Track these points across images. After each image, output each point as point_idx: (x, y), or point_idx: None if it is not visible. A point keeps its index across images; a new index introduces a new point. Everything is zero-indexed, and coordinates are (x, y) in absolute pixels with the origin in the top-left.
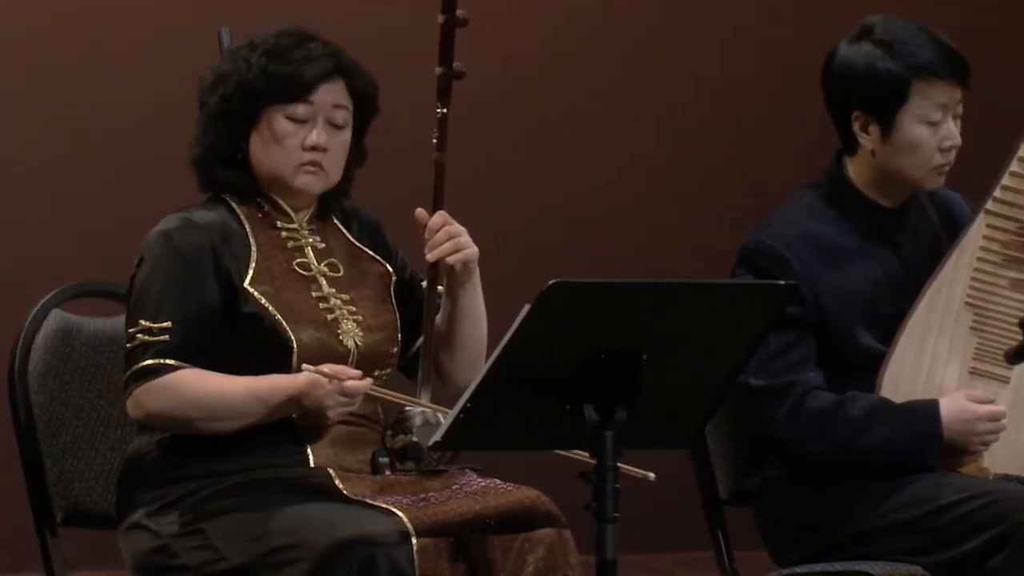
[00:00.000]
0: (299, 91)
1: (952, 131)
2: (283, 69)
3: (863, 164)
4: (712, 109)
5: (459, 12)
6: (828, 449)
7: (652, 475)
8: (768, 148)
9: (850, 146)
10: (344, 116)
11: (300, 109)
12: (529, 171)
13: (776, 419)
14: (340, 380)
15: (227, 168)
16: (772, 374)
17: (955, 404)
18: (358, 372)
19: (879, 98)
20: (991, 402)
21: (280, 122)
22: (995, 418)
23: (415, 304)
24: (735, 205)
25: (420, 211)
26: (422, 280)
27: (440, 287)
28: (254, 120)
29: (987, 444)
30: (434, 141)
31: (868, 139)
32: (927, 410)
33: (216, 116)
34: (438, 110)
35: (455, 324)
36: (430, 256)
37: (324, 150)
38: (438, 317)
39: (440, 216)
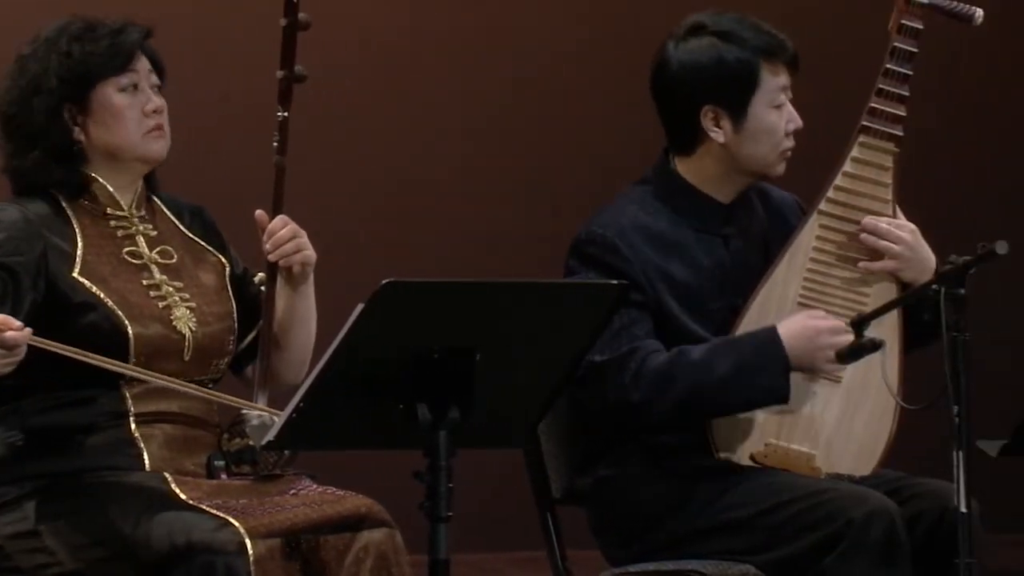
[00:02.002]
0: (125, 61)
1: (794, 113)
2: (99, 46)
3: (707, 159)
4: (541, 109)
5: (301, 15)
6: (678, 398)
7: None
8: (596, 148)
9: (688, 144)
10: (156, 79)
11: (127, 79)
12: (364, 172)
13: (624, 384)
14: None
15: (63, 165)
16: (615, 348)
17: (794, 323)
18: (19, 323)
19: (731, 88)
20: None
21: (115, 96)
22: (836, 332)
23: (248, 299)
24: (567, 204)
25: (260, 213)
26: (255, 276)
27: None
28: (85, 105)
29: (831, 360)
30: (275, 144)
31: (720, 132)
32: (766, 334)
33: (44, 114)
34: (279, 113)
35: (287, 326)
36: (272, 256)
37: (161, 112)
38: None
39: (281, 219)
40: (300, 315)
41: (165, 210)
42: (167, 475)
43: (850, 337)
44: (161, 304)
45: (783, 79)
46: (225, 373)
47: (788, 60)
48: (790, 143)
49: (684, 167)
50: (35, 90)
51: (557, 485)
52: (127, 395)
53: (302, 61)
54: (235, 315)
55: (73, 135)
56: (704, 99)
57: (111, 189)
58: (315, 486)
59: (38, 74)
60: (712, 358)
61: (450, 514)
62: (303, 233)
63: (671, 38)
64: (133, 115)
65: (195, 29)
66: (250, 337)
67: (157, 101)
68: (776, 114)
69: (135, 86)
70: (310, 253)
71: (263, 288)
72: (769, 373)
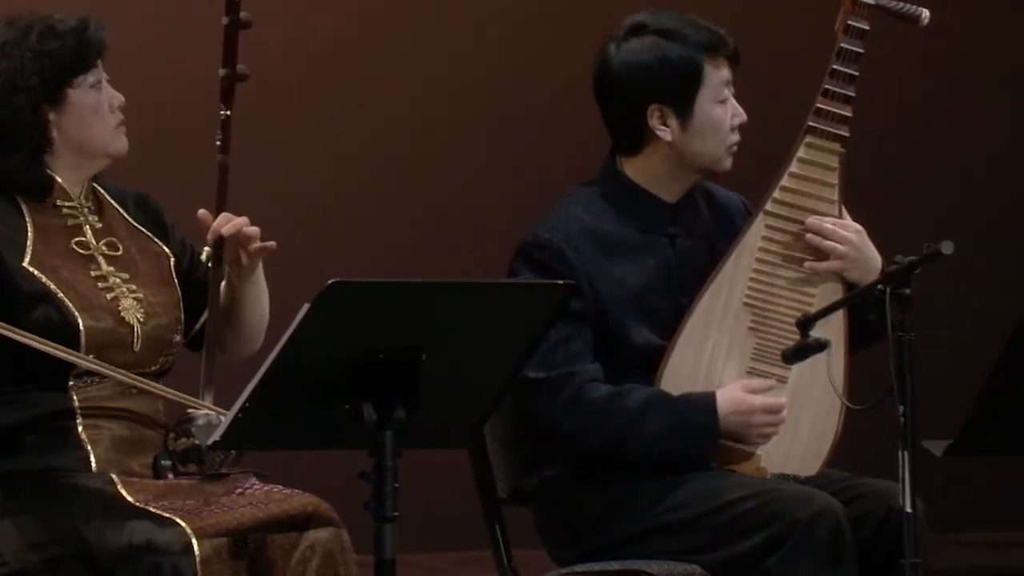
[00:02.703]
0: (94, 57)
1: (738, 107)
2: (69, 43)
3: (654, 158)
4: (485, 109)
5: (242, 14)
6: (606, 440)
7: None
8: (540, 148)
9: (634, 145)
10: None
11: (94, 76)
12: (309, 171)
13: (555, 410)
14: None
15: (40, 165)
16: (551, 366)
17: (731, 396)
18: None
19: (678, 86)
20: (768, 392)
21: (88, 93)
22: (772, 410)
23: (198, 282)
24: (512, 204)
25: (203, 212)
26: (201, 254)
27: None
28: (61, 103)
29: (765, 436)
30: (217, 143)
31: (667, 131)
32: (703, 402)
33: (28, 113)
34: (222, 112)
35: (239, 307)
36: (225, 230)
37: (122, 106)
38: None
39: (224, 218)
40: (252, 297)
41: (111, 200)
42: (113, 476)
43: (783, 416)
44: (109, 296)
45: (725, 73)
46: (172, 367)
47: (729, 54)
48: (736, 137)
49: (631, 167)
50: (13, 89)
51: (503, 485)
52: (74, 395)
53: (244, 60)
54: (181, 305)
55: (50, 133)
56: (650, 98)
57: (60, 180)
58: (262, 485)
59: (14, 72)
60: (647, 411)
61: (396, 514)
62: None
63: (611, 40)
64: (104, 110)
65: (136, 28)
66: (203, 319)
67: (120, 96)
68: (721, 109)
69: (99, 82)
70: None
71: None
72: (697, 444)
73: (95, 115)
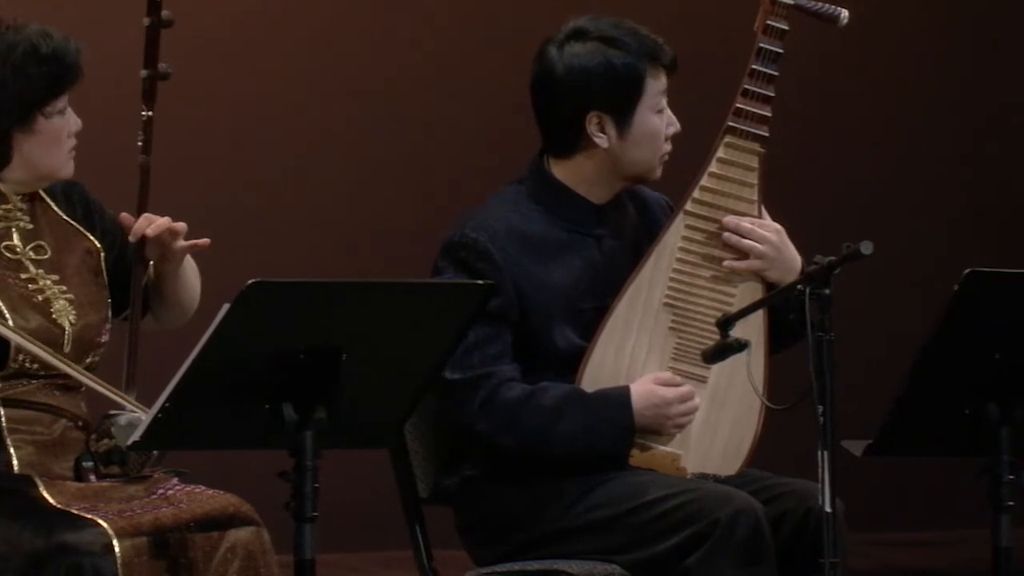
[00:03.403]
0: (72, 82)
1: (673, 117)
2: (52, 69)
3: (586, 163)
4: (413, 108)
5: (164, 14)
6: (522, 439)
7: None
8: (466, 146)
9: (568, 148)
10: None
11: (62, 102)
12: (229, 172)
13: (471, 411)
14: None
15: None
16: (468, 367)
17: (644, 389)
18: None
19: (619, 94)
20: (679, 384)
21: (55, 120)
22: (684, 399)
23: (127, 271)
24: (437, 203)
25: (125, 215)
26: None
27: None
28: (31, 125)
29: (680, 427)
30: (139, 144)
31: (604, 138)
32: (618, 398)
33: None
34: (143, 113)
35: (172, 288)
36: (150, 231)
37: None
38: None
39: (145, 219)
40: (183, 279)
41: (42, 194)
42: (36, 479)
43: (696, 404)
44: (40, 297)
45: (663, 83)
46: (98, 368)
47: (668, 64)
48: (668, 147)
49: (560, 169)
50: None
51: (423, 485)
52: None
53: (167, 59)
54: (109, 302)
55: (11, 152)
56: (590, 105)
57: (2, 189)
58: (183, 486)
59: None
60: (563, 409)
61: (316, 514)
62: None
63: (551, 42)
64: (64, 137)
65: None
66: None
67: (79, 122)
68: (658, 119)
69: (65, 108)
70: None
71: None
72: (612, 441)
73: (57, 143)
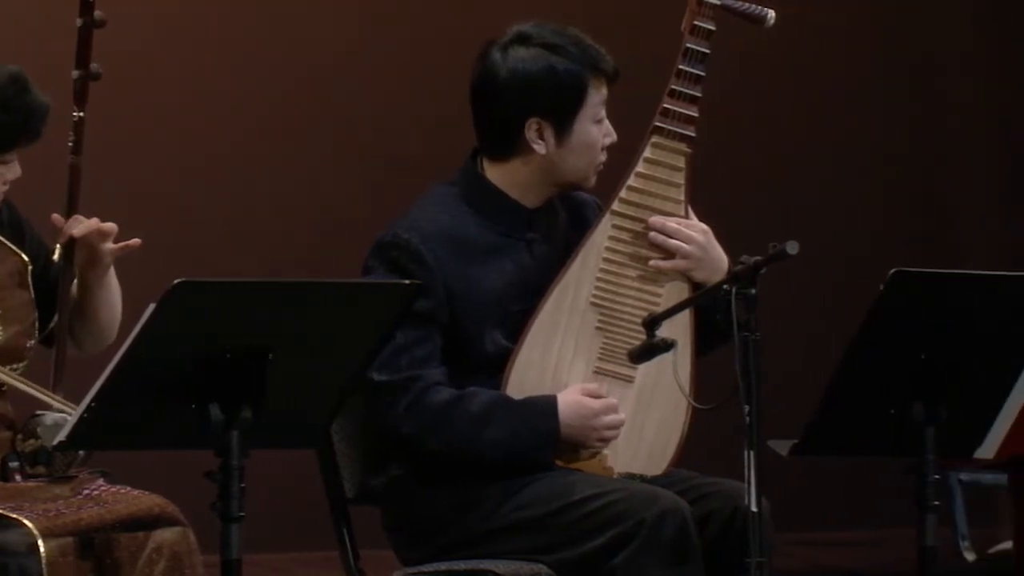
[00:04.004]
0: (27, 143)
1: (611, 128)
2: (17, 119)
3: (522, 168)
4: (337, 109)
5: (96, 14)
6: (448, 444)
7: None
8: (394, 147)
9: (504, 151)
10: None
11: (12, 155)
12: (158, 172)
13: (397, 414)
14: None
15: None
16: (396, 369)
17: (571, 399)
18: None
19: (561, 102)
20: (605, 397)
21: (5, 168)
22: (609, 411)
23: (52, 286)
24: (370, 203)
25: (56, 216)
26: (54, 253)
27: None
28: None
29: (605, 440)
30: (70, 144)
31: (542, 144)
32: (545, 407)
33: None
34: (74, 113)
35: (93, 306)
36: (77, 231)
37: None
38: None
39: (75, 220)
40: (104, 296)
41: None
42: None
43: (622, 418)
44: None
45: (604, 93)
46: (25, 371)
47: (610, 74)
48: (604, 157)
49: (494, 172)
50: None
51: (350, 485)
52: None
53: (98, 59)
54: (36, 315)
55: None
56: (531, 111)
57: None
58: (109, 486)
59: None
60: (489, 416)
61: (242, 514)
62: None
63: (494, 46)
64: (1, 188)
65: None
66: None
67: (18, 171)
68: (597, 129)
69: (14, 160)
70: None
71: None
72: (538, 448)
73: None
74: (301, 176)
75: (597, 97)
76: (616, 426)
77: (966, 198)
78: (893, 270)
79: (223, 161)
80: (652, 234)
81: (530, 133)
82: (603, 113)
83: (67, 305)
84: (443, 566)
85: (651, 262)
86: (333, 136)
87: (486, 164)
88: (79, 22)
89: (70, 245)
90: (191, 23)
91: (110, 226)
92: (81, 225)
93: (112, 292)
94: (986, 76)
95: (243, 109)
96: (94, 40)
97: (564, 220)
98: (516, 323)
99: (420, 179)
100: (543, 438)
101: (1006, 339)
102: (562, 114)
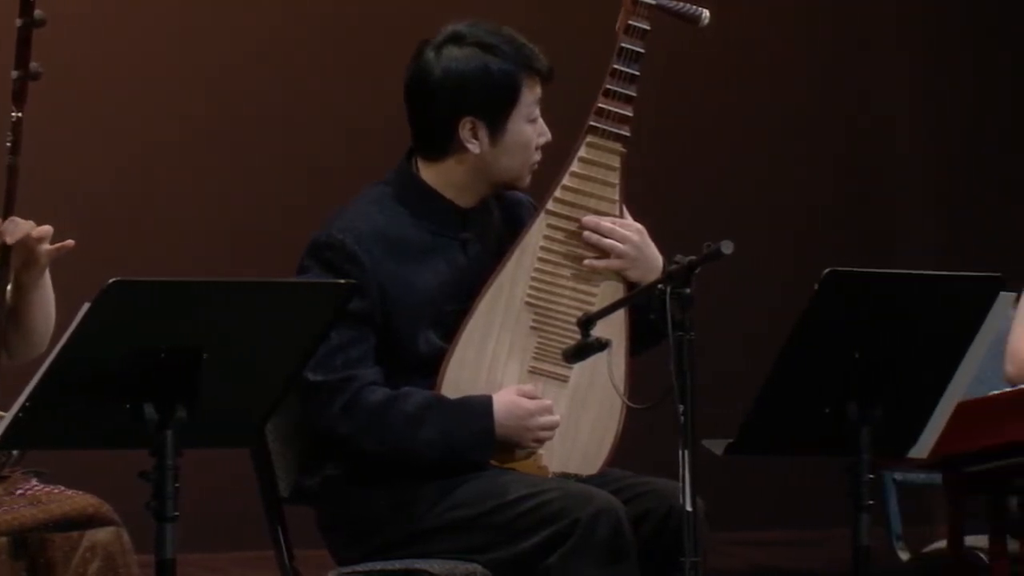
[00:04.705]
0: None
1: (545, 127)
2: None
3: (456, 167)
4: (276, 109)
5: (36, 13)
6: (384, 444)
7: None
8: (335, 146)
9: (438, 151)
10: None
11: None
12: (94, 171)
13: (332, 414)
14: None
15: None
16: (331, 370)
17: (507, 399)
18: None
19: (494, 101)
20: (540, 399)
21: None
22: (544, 412)
23: None
24: (305, 202)
25: None
26: None
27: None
28: None
29: (540, 441)
30: (8, 145)
31: (476, 144)
32: (480, 407)
33: None
34: (13, 114)
35: (27, 311)
36: (10, 239)
37: None
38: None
39: (11, 222)
40: (38, 301)
41: None
42: None
43: (557, 420)
44: None
45: (538, 92)
46: None
47: (544, 74)
48: (538, 156)
49: (428, 172)
50: None
51: (285, 484)
52: None
53: (36, 59)
54: None
55: None
56: (465, 110)
57: None
58: (43, 485)
59: None
60: (425, 415)
61: (176, 513)
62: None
63: (428, 45)
64: None
65: None
66: None
67: None
68: (531, 128)
69: None
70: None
71: None
72: (473, 448)
73: None
74: (238, 176)
75: (531, 96)
76: (551, 427)
77: (903, 197)
78: (827, 270)
79: (159, 161)
80: (586, 233)
81: (464, 132)
82: (537, 112)
83: (3, 307)
84: (378, 566)
85: (586, 261)
86: (270, 135)
87: (421, 164)
88: (19, 22)
89: (5, 249)
90: (130, 23)
91: (46, 229)
92: (17, 230)
93: (47, 295)
94: (922, 74)
95: (180, 109)
96: (33, 40)
97: (498, 220)
98: (451, 323)
99: (358, 178)
100: (478, 438)
101: (940, 339)
102: (496, 113)
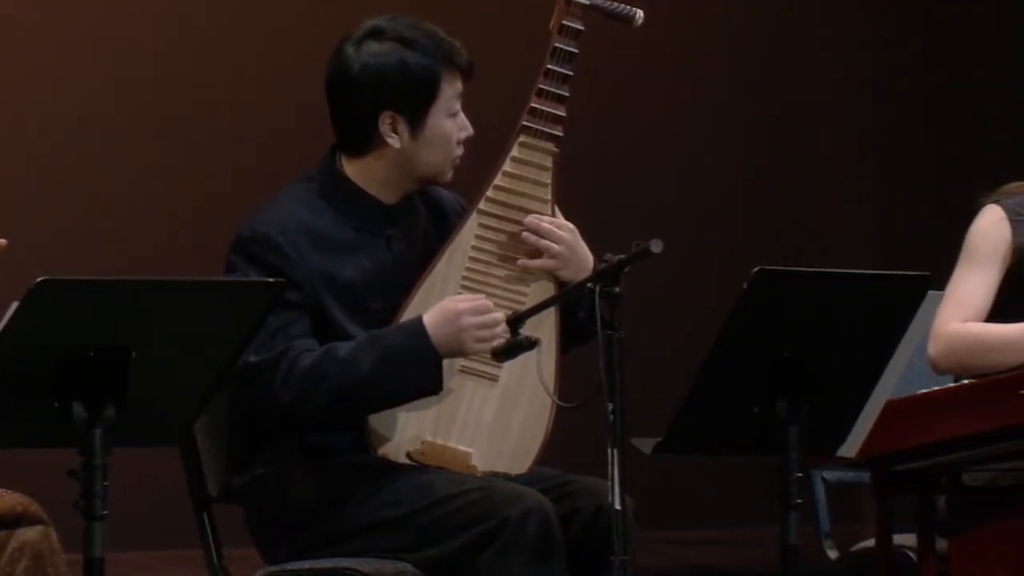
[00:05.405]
0: None
1: (466, 122)
2: None
3: (378, 163)
4: (201, 107)
5: None
6: (327, 395)
7: None
8: (258, 142)
9: (360, 147)
10: None
11: None
12: (18, 168)
13: (275, 387)
14: None
15: None
16: (269, 349)
17: (436, 309)
18: None
19: (413, 95)
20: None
21: None
22: (479, 312)
23: None
24: (230, 199)
25: None
26: None
27: None
28: None
29: (482, 340)
30: None
31: (396, 138)
32: (412, 326)
33: None
34: None
35: None
36: None
37: None
38: None
39: None
40: None
41: None
42: None
43: (499, 316)
44: None
45: (459, 87)
46: None
47: (465, 68)
48: (460, 151)
49: (351, 168)
50: None
51: (213, 483)
52: None
53: None
54: None
55: None
56: (384, 104)
57: None
58: None
59: None
60: (359, 354)
61: (105, 512)
62: None
63: (348, 40)
64: None
65: None
66: None
67: None
68: (451, 122)
69: None
70: None
71: None
72: (417, 368)
73: None
74: (166, 173)
75: (451, 91)
76: (491, 324)
77: (831, 196)
78: (756, 268)
79: (86, 160)
80: (524, 233)
81: (384, 127)
82: (458, 107)
83: None
84: (307, 564)
85: (518, 261)
86: (197, 133)
87: (344, 160)
88: None
89: None
90: (55, 21)
91: None
92: None
93: None
94: (846, 73)
95: (107, 107)
96: None
97: (424, 218)
98: (377, 320)
99: (286, 174)
100: (418, 355)
101: (869, 338)
102: (415, 108)
